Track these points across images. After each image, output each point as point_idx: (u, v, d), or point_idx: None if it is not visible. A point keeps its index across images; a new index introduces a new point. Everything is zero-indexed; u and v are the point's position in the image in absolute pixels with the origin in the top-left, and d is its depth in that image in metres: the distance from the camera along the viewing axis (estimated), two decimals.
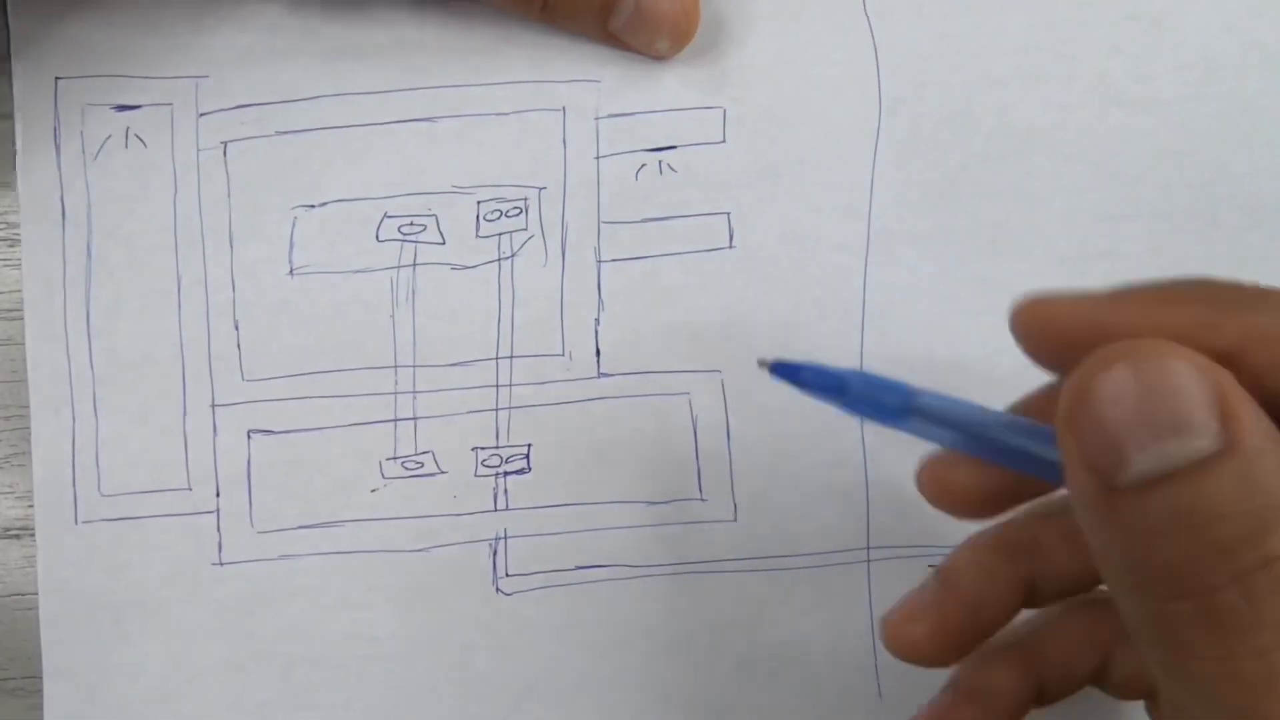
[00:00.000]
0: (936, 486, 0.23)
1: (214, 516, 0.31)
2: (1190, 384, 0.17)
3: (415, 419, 0.31)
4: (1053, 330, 0.20)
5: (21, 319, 0.31)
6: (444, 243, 0.32)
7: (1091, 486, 0.17)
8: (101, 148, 0.31)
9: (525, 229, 0.32)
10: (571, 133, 0.32)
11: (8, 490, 0.32)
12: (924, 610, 0.25)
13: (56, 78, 0.31)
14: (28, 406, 0.31)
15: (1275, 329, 0.18)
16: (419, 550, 0.32)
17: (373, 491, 0.32)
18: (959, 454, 0.23)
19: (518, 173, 0.32)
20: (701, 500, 0.32)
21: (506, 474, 0.32)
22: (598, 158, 0.32)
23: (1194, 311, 0.18)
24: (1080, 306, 0.20)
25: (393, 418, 0.31)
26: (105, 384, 0.31)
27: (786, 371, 0.24)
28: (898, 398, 0.23)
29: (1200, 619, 0.16)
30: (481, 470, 0.32)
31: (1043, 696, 0.26)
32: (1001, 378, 0.32)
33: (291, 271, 0.32)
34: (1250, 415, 0.17)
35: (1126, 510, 0.17)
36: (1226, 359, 0.17)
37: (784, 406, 0.29)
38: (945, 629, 0.24)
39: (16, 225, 0.31)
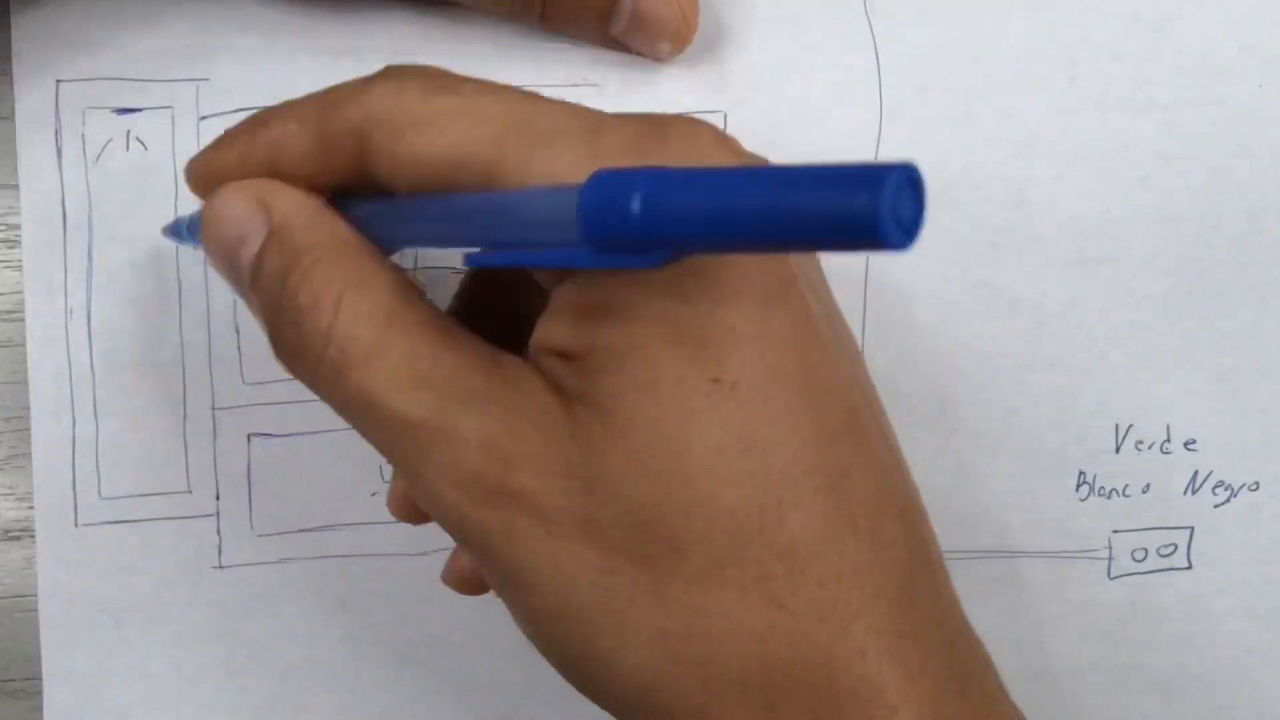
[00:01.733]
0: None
1: (214, 519, 0.31)
2: (232, 205, 0.23)
3: None
4: (207, 179, 0.25)
5: (22, 321, 0.31)
6: None
7: (234, 278, 0.24)
8: (103, 150, 0.31)
9: None
10: None
11: (8, 492, 0.32)
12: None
13: (58, 80, 0.31)
14: (28, 408, 0.31)
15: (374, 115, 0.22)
16: (419, 554, 0.32)
17: (373, 495, 0.32)
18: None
19: None
20: None
21: None
22: None
23: (277, 141, 0.23)
24: (214, 157, 0.24)
25: None
26: (106, 386, 0.31)
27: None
28: None
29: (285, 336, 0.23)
30: None
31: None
32: (1001, 382, 0.33)
33: None
34: (283, 201, 0.23)
35: (254, 288, 0.24)
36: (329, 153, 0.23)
37: None
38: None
39: (17, 227, 0.31)
